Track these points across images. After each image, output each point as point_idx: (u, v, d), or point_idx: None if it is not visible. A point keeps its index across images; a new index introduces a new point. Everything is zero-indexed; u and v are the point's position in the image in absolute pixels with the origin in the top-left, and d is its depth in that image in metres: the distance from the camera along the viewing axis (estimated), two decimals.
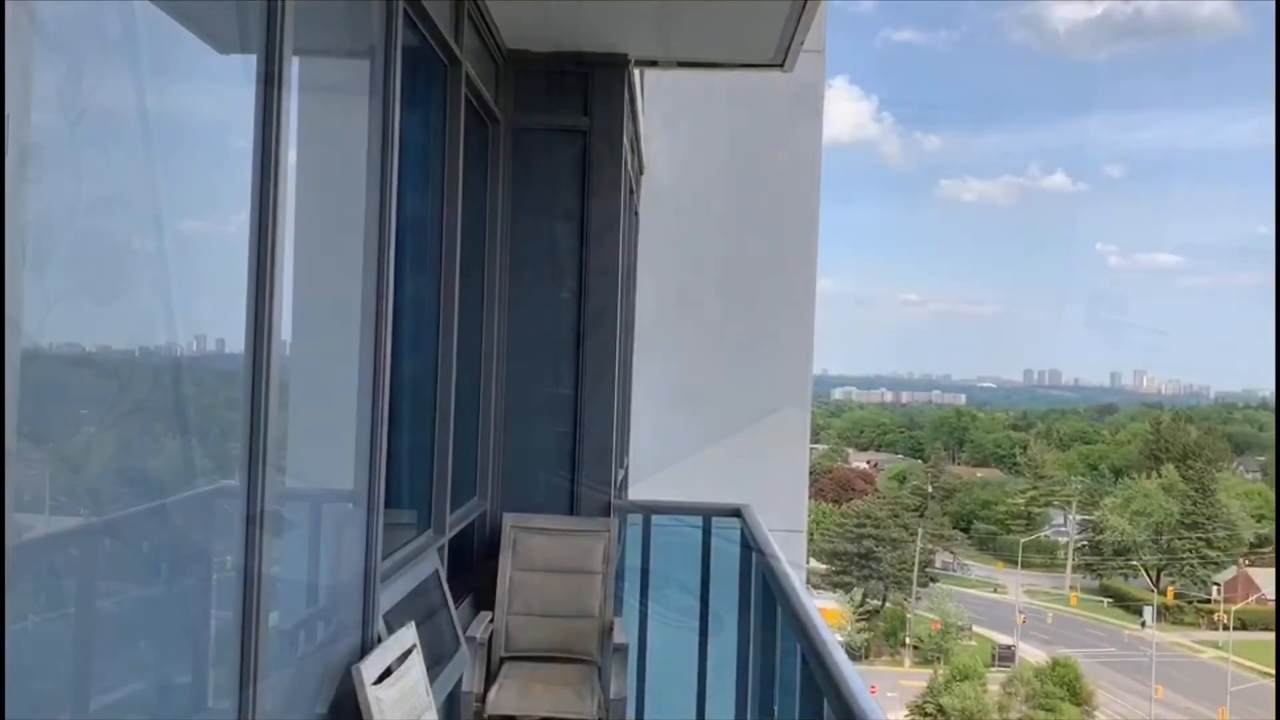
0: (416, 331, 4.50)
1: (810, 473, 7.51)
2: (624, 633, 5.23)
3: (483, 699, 5.07)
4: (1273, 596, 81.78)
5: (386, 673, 3.30)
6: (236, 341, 2.39)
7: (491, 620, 5.46)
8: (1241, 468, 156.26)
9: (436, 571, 4.50)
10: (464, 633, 4.83)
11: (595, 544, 5.52)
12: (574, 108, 5.65)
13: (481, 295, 5.56)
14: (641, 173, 7.49)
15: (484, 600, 5.54)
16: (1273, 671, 69.72)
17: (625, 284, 6.27)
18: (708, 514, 5.62)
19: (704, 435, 7.41)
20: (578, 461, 5.51)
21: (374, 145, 3.24)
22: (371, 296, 3.23)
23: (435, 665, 4.05)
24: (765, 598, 3.94)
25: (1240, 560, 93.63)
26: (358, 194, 3.20)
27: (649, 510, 5.85)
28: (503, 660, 5.49)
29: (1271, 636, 77.05)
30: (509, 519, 5.62)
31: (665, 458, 7.30)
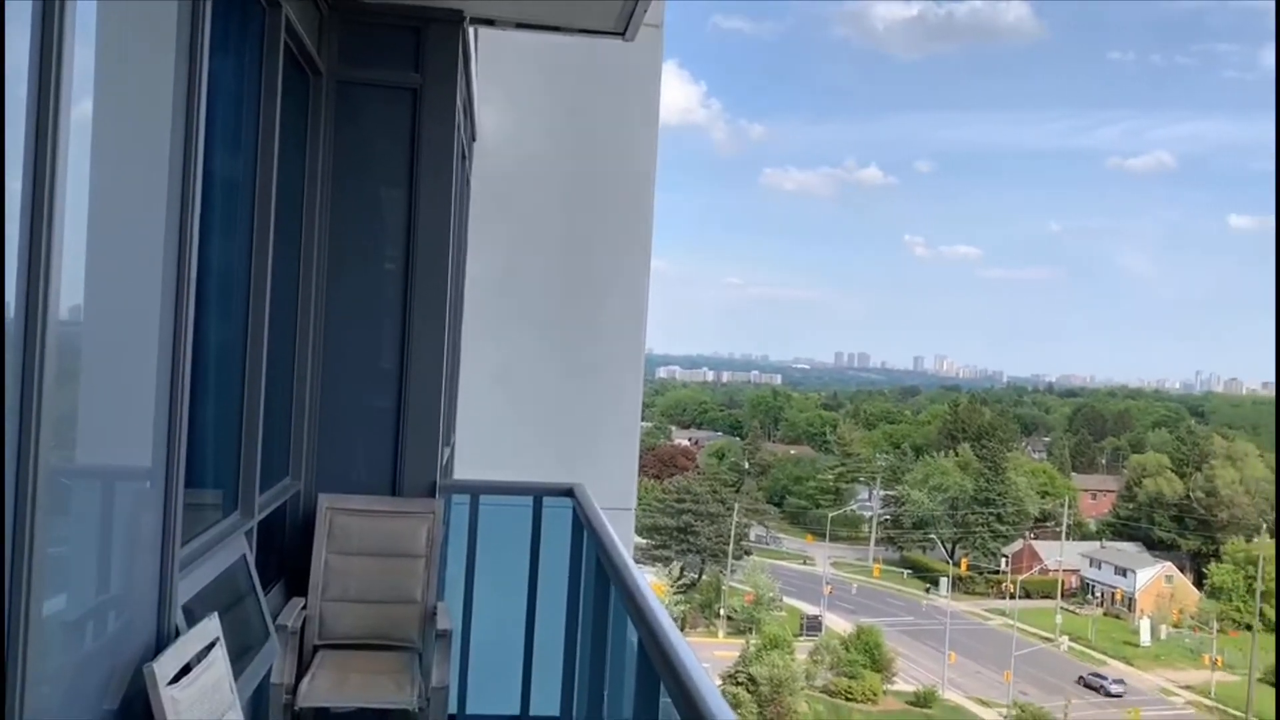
0: (225, 298, 4.13)
1: None
2: (448, 618, 5.01)
3: (293, 691, 4.75)
4: (1054, 567, 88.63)
5: (185, 669, 3.00)
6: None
7: (304, 607, 5.13)
8: (1029, 447, 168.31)
9: (244, 557, 4.16)
10: (274, 621, 4.51)
11: (418, 526, 5.27)
12: (404, 64, 5.32)
13: (298, 261, 5.18)
14: (474, 139, 7.21)
15: (297, 586, 5.20)
16: (1052, 635, 75.70)
17: (456, 255, 6.01)
18: (538, 494, 5.45)
19: (536, 413, 7.24)
20: (401, 439, 5.22)
21: (179, 95, 2.90)
22: (173, 260, 2.90)
23: (242, 657, 3.75)
24: (598, 579, 3.83)
25: (1026, 534, 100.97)
26: (159, 149, 2.86)
27: (477, 490, 5.63)
28: (316, 649, 5.17)
29: (1051, 604, 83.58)
30: (325, 500, 5.29)
31: (496, 436, 7.07)
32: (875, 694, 61.10)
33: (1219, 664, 69.08)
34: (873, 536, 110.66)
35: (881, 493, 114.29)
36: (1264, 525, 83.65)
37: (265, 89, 4.29)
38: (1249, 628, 71.22)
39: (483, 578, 5.40)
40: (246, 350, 4.24)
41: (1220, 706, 64.30)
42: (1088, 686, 67.67)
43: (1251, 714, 61.88)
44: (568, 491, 5.10)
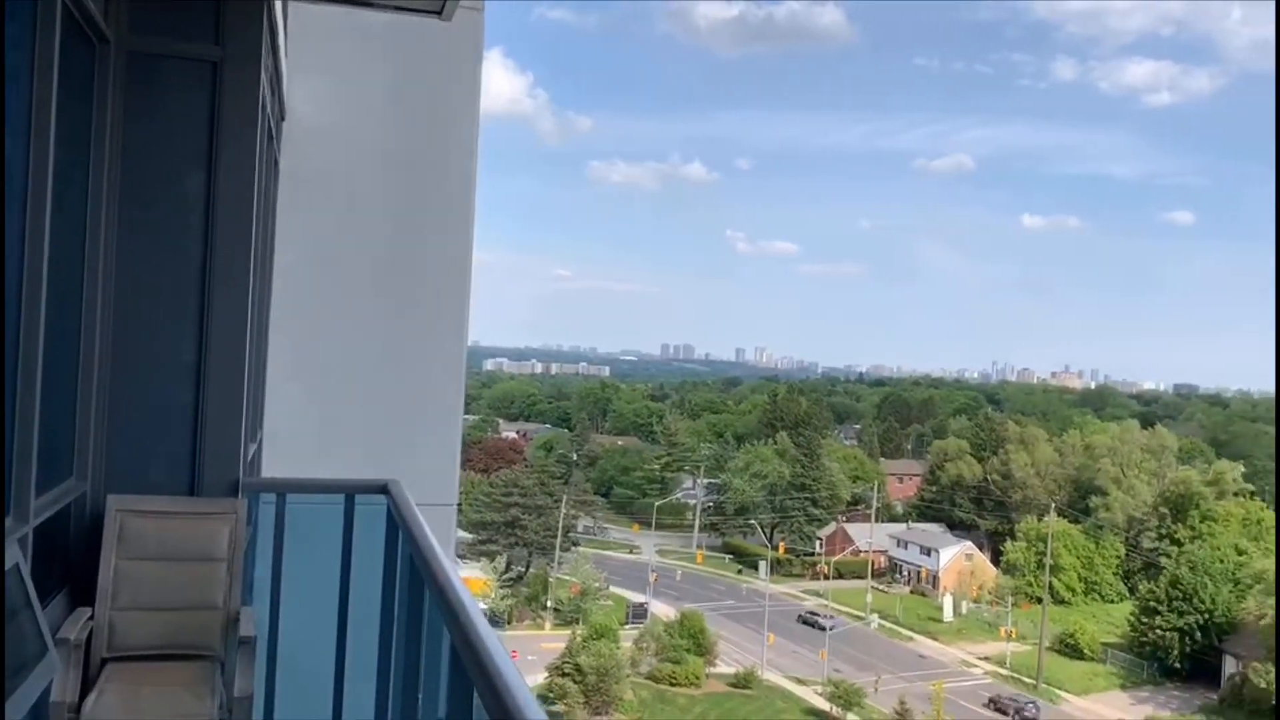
0: None
1: (460, 444, 7.25)
2: (252, 624, 4.72)
3: (77, 709, 4.38)
4: (865, 548, 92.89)
5: None
6: None
7: (91, 617, 4.74)
8: (842, 434, 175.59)
9: (17, 566, 3.80)
10: (54, 635, 4.13)
11: (220, 527, 4.94)
12: (203, 35, 4.95)
13: (83, 247, 4.76)
14: (283, 118, 6.84)
15: (83, 596, 4.80)
16: (863, 614, 79.37)
17: (261, 240, 5.67)
18: (351, 491, 5.20)
19: (351, 407, 6.93)
20: (200, 436, 4.88)
21: None
22: None
23: (15, 676, 3.41)
24: (412, 581, 3.67)
25: (839, 517, 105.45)
26: None
27: (285, 488, 5.33)
28: (104, 662, 4.78)
29: (862, 584, 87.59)
30: (114, 501, 4.89)
31: (307, 431, 6.73)
32: (698, 677, 62.47)
33: (1014, 635, 74.10)
34: (697, 524, 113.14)
35: (705, 481, 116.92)
36: (1053, 505, 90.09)
37: (39, 58, 3.90)
38: (1039, 601, 76.74)
39: (292, 581, 5.12)
40: (20, 340, 3.86)
41: (1015, 675, 68.98)
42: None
43: (1042, 680, 66.66)
44: (382, 488, 4.89)
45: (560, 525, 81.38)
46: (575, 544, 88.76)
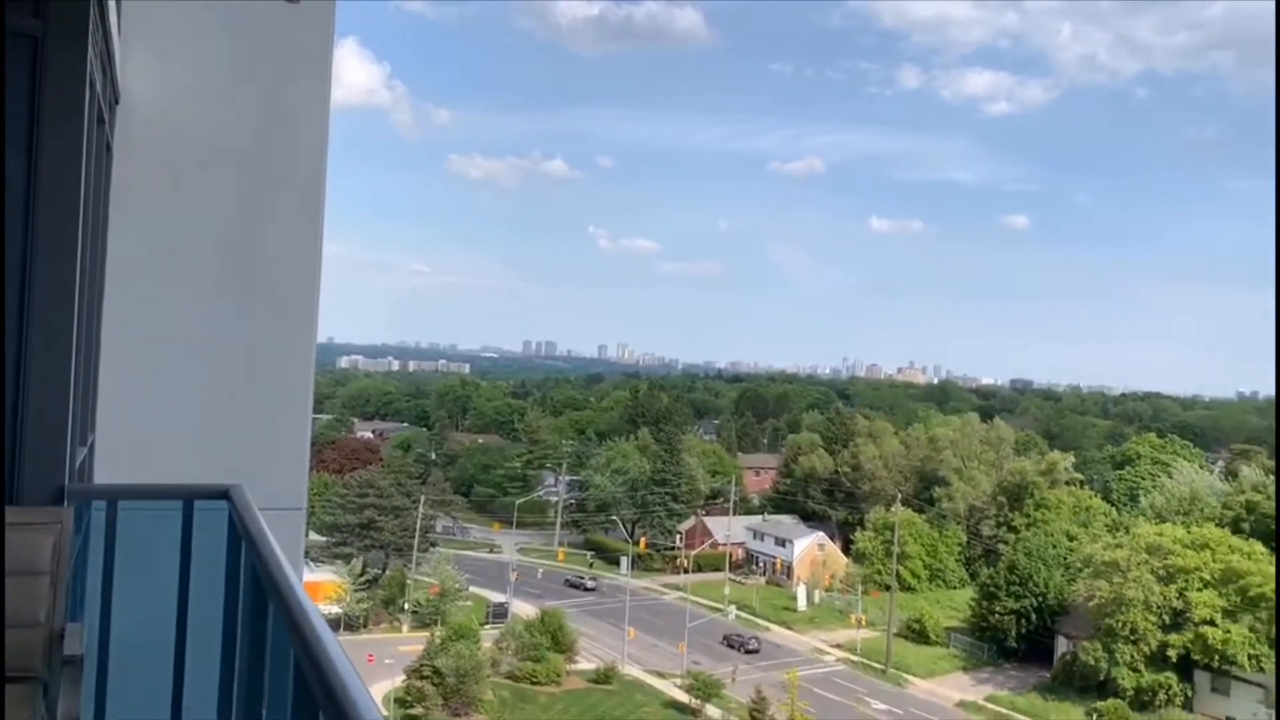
0: None
1: (312, 444, 6.95)
2: (79, 642, 4.39)
3: None
4: (723, 541, 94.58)
5: None
6: None
7: None
8: (701, 430, 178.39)
9: None
10: None
11: (42, 538, 4.57)
12: (22, 6, 4.57)
13: None
14: (117, 101, 6.41)
15: None
16: (721, 606, 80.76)
17: (91, 230, 5.29)
18: (190, 497, 4.90)
19: (193, 407, 6.54)
20: (20, 439, 4.50)
21: None
22: None
23: None
24: (255, 593, 3.47)
25: (699, 511, 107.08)
26: None
27: (117, 495, 4.98)
28: None
29: (721, 576, 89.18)
30: None
31: (144, 433, 6.32)
32: (559, 675, 62.41)
33: (863, 622, 76.77)
34: (558, 521, 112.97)
35: (567, 478, 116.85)
36: (899, 496, 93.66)
37: None
38: (888, 588, 79.72)
39: (125, 595, 4.78)
40: None
41: (865, 660, 71.45)
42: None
43: (890, 664, 69.24)
44: (223, 494, 4.62)
45: (418, 526, 79.86)
46: (434, 544, 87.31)
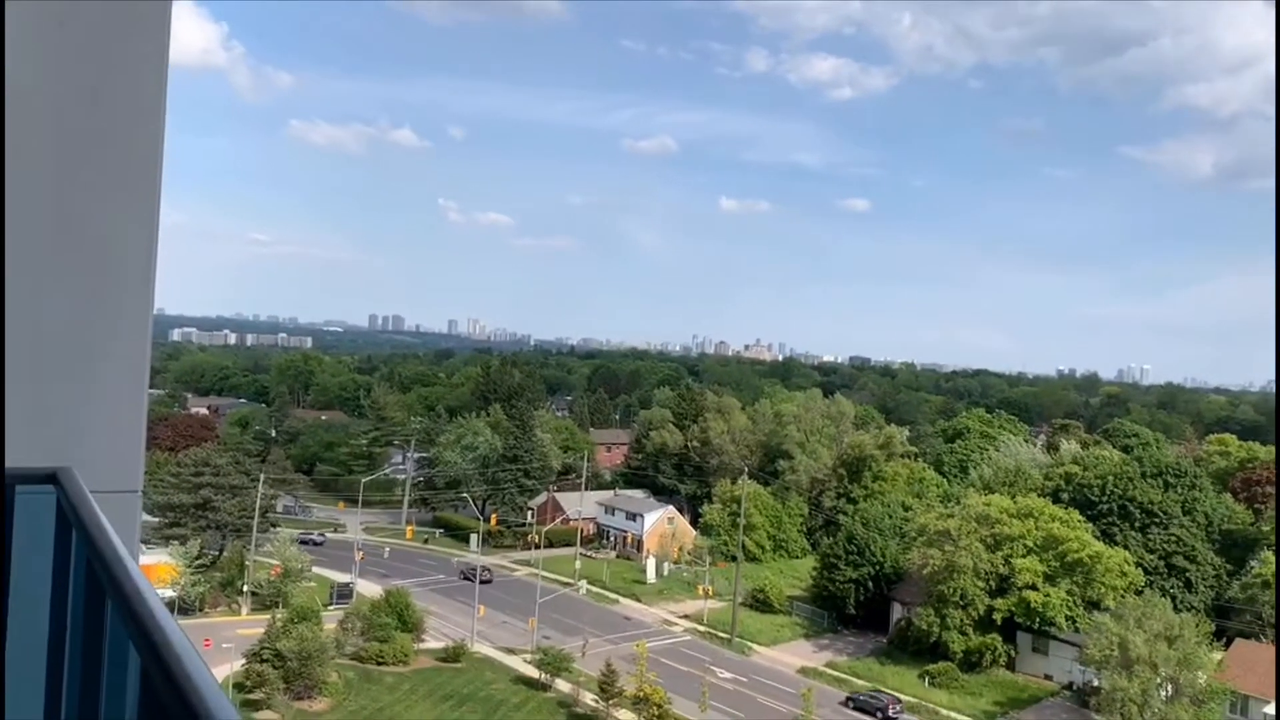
0: None
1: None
2: None
3: None
4: (574, 517, 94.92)
5: None
6: None
7: None
8: (554, 406, 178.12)
9: None
10: None
11: None
12: None
13: None
14: None
15: None
16: (572, 580, 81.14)
17: None
18: (10, 482, 4.50)
19: (17, 385, 6.04)
20: None
21: None
22: None
23: None
24: (89, 589, 3.19)
25: (550, 487, 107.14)
26: None
27: None
28: None
29: (572, 551, 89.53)
30: None
31: None
32: (407, 655, 61.49)
33: (710, 593, 78.51)
34: (406, 499, 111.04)
35: (415, 455, 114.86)
36: (746, 469, 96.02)
37: None
38: (734, 559, 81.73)
39: None
40: None
41: (711, 631, 73.13)
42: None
43: (736, 634, 71.09)
44: (50, 477, 4.26)
45: (258, 505, 76.99)
46: (275, 525, 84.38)
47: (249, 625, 63.05)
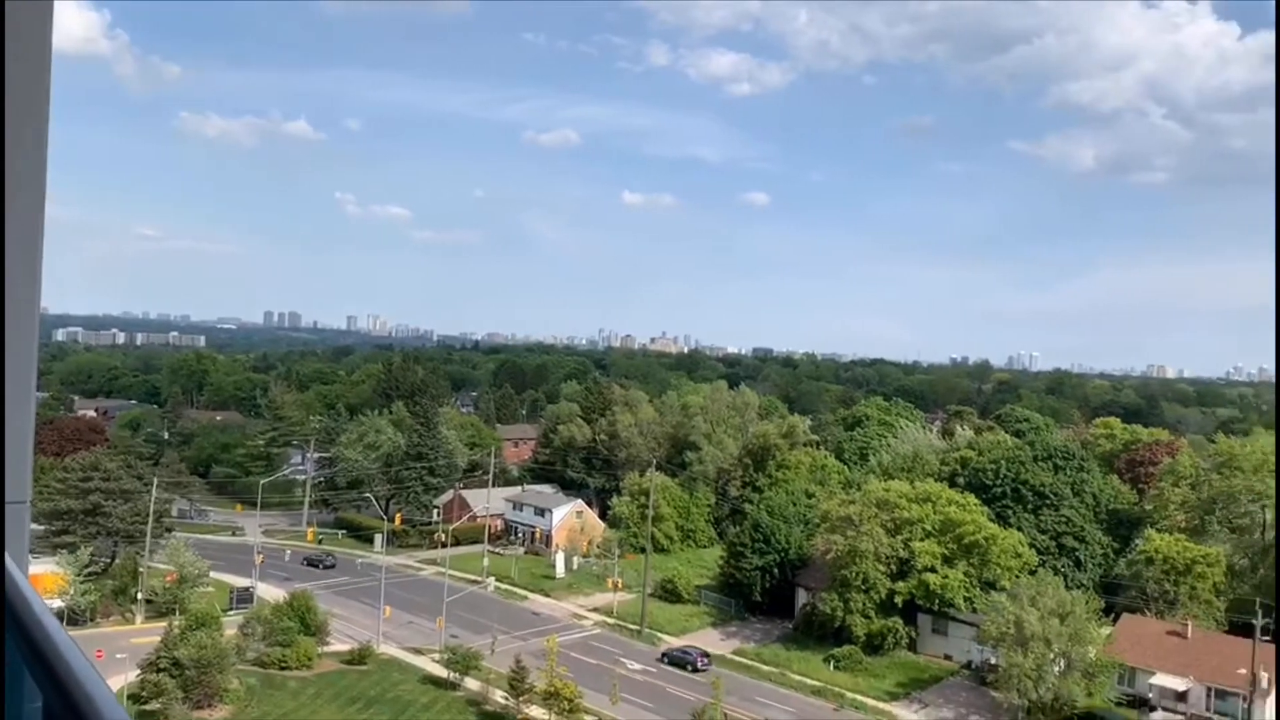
0: None
1: None
2: None
3: None
4: (482, 513, 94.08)
5: None
6: None
7: None
8: (459, 402, 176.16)
9: None
10: None
11: None
12: None
13: None
14: None
15: None
16: (480, 578, 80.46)
17: None
18: None
19: None
20: None
21: None
22: None
23: None
24: None
25: (456, 484, 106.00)
26: None
27: None
28: None
29: (480, 548, 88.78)
30: None
31: None
32: (311, 658, 60.21)
33: (620, 586, 78.74)
34: (307, 500, 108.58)
35: (316, 455, 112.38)
36: (654, 461, 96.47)
37: None
38: (643, 550, 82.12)
39: None
40: None
41: (621, 623, 73.36)
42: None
43: (645, 625, 71.44)
44: None
45: (151, 510, 74.41)
46: (170, 530, 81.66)
47: (144, 634, 60.92)
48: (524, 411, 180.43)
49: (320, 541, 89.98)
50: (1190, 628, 59.81)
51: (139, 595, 68.91)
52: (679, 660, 64.75)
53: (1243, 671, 51.24)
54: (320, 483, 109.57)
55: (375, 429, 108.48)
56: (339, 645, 64.10)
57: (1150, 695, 57.29)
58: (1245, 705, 52.03)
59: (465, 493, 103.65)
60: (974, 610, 63.50)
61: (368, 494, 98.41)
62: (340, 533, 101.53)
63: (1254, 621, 50.91)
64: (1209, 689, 55.70)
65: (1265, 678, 51.86)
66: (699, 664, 64.07)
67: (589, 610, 77.51)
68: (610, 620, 74.22)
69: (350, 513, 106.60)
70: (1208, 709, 55.71)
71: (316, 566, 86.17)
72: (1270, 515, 73.15)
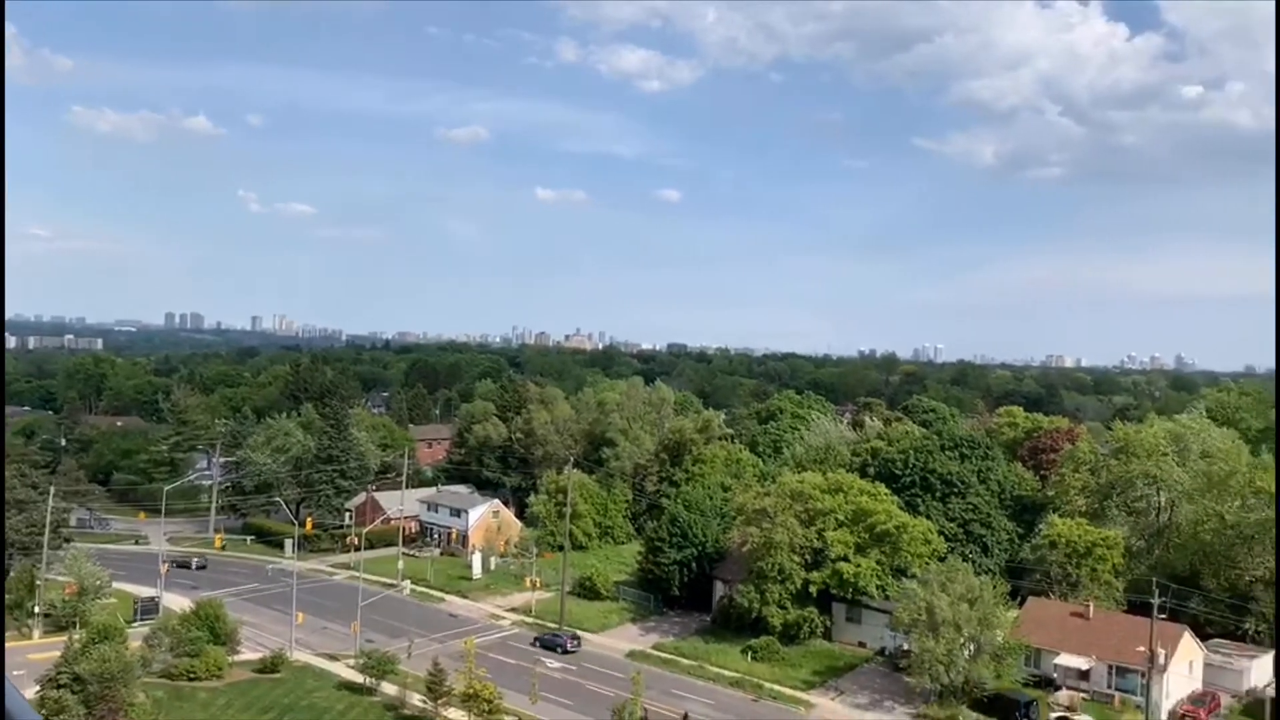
0: None
1: None
2: None
3: None
4: (396, 516, 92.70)
5: None
6: None
7: None
8: (370, 403, 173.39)
9: None
10: None
11: None
12: None
13: None
14: None
15: None
16: (395, 581, 79.30)
17: None
18: None
19: None
20: None
21: None
22: None
23: None
24: None
25: (369, 486, 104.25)
26: None
27: None
28: None
29: (394, 551, 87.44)
30: None
31: None
32: (220, 668, 58.58)
33: (538, 584, 78.38)
34: (214, 506, 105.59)
35: (222, 460, 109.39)
36: (571, 458, 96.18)
37: None
38: (561, 548, 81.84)
39: None
40: None
41: (540, 621, 73.02)
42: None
43: (564, 623, 71.23)
44: None
45: (48, 520, 71.48)
46: (69, 540, 78.62)
47: (42, 649, 58.55)
48: (437, 411, 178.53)
49: (224, 548, 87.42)
50: (1092, 608, 62.01)
51: (36, 609, 66.21)
52: (549, 644, 67.52)
53: (1141, 649, 53.19)
54: (227, 488, 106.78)
55: (283, 432, 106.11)
56: (250, 654, 62.53)
57: (1055, 675, 59.23)
58: (1144, 681, 54.09)
59: (378, 495, 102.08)
60: (886, 598, 64.81)
61: (277, 498, 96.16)
62: (249, 538, 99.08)
63: (1151, 600, 52.91)
64: (1110, 667, 57.84)
65: (1163, 654, 53.97)
66: (568, 646, 67.13)
67: (507, 610, 76.97)
68: (529, 619, 73.81)
69: (259, 518, 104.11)
70: (1109, 686, 57.83)
71: (187, 568, 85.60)
72: (1164, 498, 76.35)
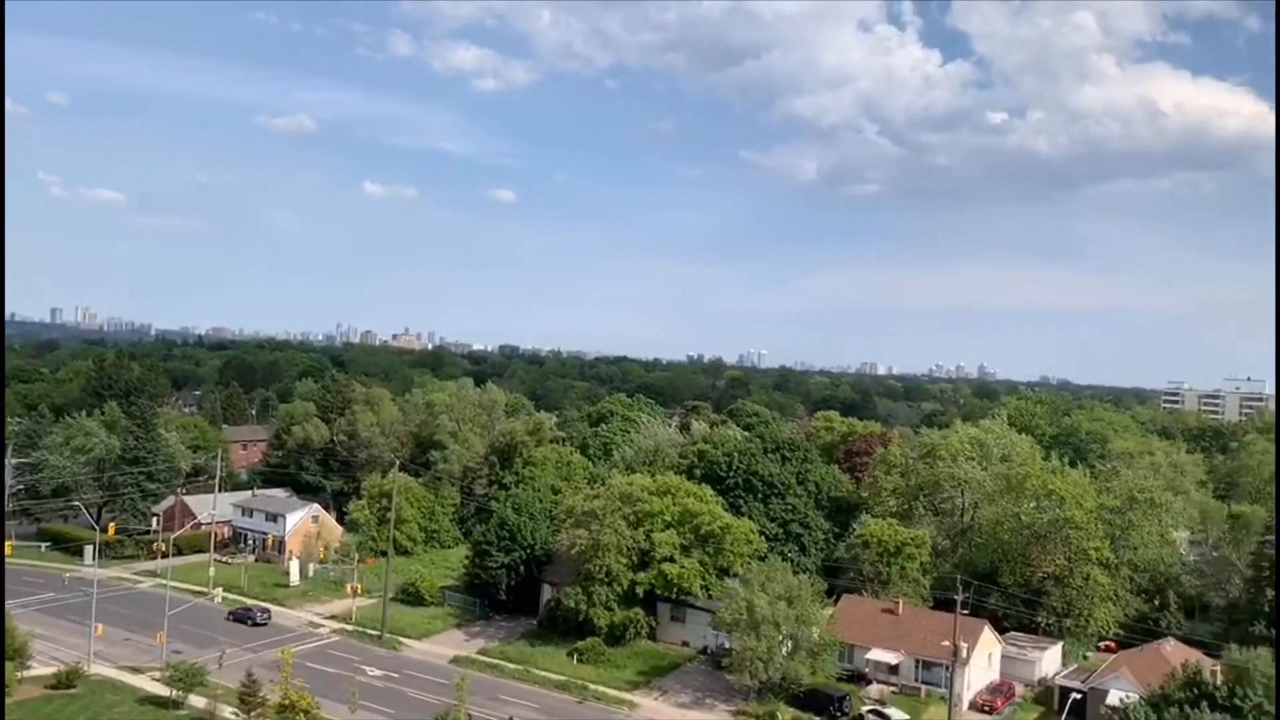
0: None
1: None
2: None
3: None
4: (207, 521, 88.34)
5: None
6: None
7: None
8: (180, 401, 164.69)
9: None
10: None
11: None
12: None
13: None
14: None
15: None
16: (206, 589, 75.57)
17: None
18: None
19: None
20: None
21: None
22: None
23: None
24: None
25: (178, 489, 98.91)
26: None
27: None
28: None
29: (205, 557, 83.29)
30: None
31: None
32: (9, 684, 54.34)
33: (359, 591, 76.27)
34: (3, 511, 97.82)
35: (15, 461, 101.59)
36: (397, 462, 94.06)
37: None
38: (384, 554, 79.91)
39: None
40: None
41: (361, 628, 71.09)
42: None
43: (386, 630, 69.59)
44: None
45: None
46: None
47: None
48: (254, 411, 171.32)
49: (12, 553, 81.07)
50: (901, 605, 65.29)
51: None
52: (241, 617, 71.88)
53: (946, 643, 56.29)
54: (20, 491, 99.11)
55: (85, 431, 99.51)
56: (43, 669, 58.23)
57: (867, 670, 62.02)
58: (948, 674, 57.26)
59: (188, 499, 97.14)
60: (710, 597, 66.33)
61: (76, 502, 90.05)
62: (44, 545, 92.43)
63: (955, 597, 56.10)
64: (917, 660, 61.04)
65: (965, 648, 57.28)
66: (259, 618, 71.82)
67: (326, 618, 74.59)
68: (349, 627, 71.75)
69: (56, 523, 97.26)
70: (916, 679, 61.02)
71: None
72: (967, 499, 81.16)
